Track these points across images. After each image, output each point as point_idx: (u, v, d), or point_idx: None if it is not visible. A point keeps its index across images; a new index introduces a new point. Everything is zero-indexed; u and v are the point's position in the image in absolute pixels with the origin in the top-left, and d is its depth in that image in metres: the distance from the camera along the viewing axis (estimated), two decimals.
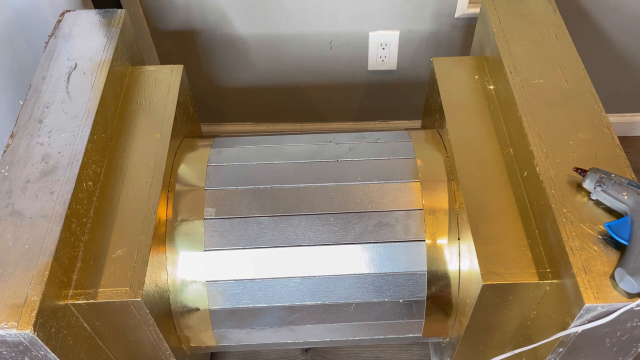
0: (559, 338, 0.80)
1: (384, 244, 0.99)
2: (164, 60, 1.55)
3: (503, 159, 0.99)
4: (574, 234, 0.79)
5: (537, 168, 0.87)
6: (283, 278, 1.00)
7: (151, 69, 1.18)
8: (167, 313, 1.00)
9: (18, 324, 0.74)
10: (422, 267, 0.99)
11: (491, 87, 1.11)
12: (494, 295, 0.86)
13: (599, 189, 0.80)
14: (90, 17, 1.17)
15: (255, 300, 1.01)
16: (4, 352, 0.78)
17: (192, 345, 1.10)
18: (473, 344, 1.01)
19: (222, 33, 1.47)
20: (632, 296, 0.74)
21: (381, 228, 0.99)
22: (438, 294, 1.01)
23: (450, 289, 1.01)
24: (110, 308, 0.86)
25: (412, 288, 1.00)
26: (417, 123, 1.71)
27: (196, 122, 1.36)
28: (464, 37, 1.47)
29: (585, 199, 0.83)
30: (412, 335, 1.10)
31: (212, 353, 1.38)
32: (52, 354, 0.79)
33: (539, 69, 1.02)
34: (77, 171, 0.91)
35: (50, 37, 1.13)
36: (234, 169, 1.07)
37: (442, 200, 1.02)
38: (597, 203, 0.83)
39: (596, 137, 0.91)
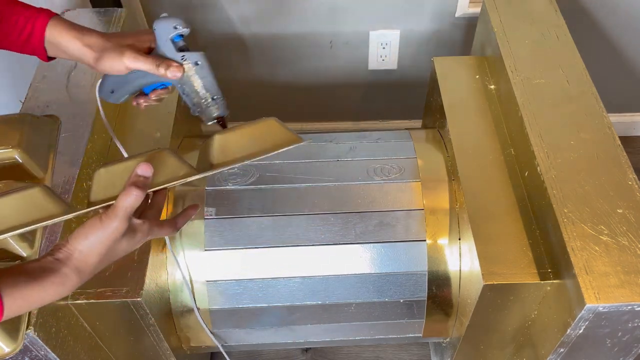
0: (559, 338, 0.80)
1: (384, 243, 0.99)
2: None
3: (504, 159, 0.99)
4: (575, 234, 0.79)
5: (538, 168, 0.87)
6: (283, 278, 1.00)
7: None
8: (167, 313, 1.00)
9: None
10: (423, 267, 0.99)
11: (492, 86, 1.11)
12: (495, 296, 0.86)
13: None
14: (91, 17, 1.16)
15: (256, 300, 1.01)
16: None
17: (192, 345, 1.10)
18: (474, 344, 1.01)
19: (222, 32, 1.47)
20: None
21: (382, 228, 0.99)
22: (439, 294, 1.01)
23: (450, 289, 1.01)
24: (110, 308, 0.86)
25: (412, 288, 1.00)
26: (418, 122, 1.71)
27: (196, 122, 1.36)
28: (464, 37, 1.47)
29: None
30: (412, 335, 1.10)
31: (212, 353, 1.38)
32: (52, 354, 0.79)
33: (540, 69, 1.02)
34: (77, 171, 0.90)
35: None
36: (234, 169, 1.06)
37: (443, 200, 1.02)
38: None
39: (597, 137, 0.91)
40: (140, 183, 0.61)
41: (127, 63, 0.70)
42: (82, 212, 0.63)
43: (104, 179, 0.64)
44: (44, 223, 0.61)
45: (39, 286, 0.58)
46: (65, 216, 0.62)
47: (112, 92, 0.76)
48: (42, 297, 0.58)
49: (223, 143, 0.69)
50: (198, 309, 1.01)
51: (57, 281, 0.59)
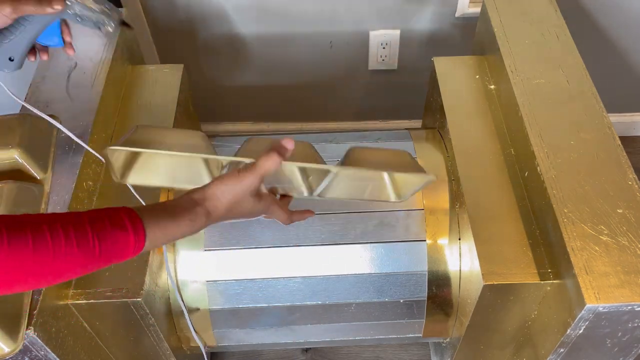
0: (559, 338, 0.80)
1: (384, 244, 0.99)
2: (164, 60, 1.54)
3: (504, 159, 0.99)
4: (575, 234, 0.79)
5: (538, 168, 0.87)
6: (283, 278, 1.00)
7: (151, 68, 1.18)
8: (167, 313, 1.00)
9: None
10: (423, 267, 0.99)
11: (492, 86, 1.11)
12: (495, 296, 0.86)
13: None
14: None
15: (256, 300, 1.01)
16: None
17: (192, 345, 1.10)
18: (474, 344, 1.01)
19: (222, 32, 1.47)
20: None
21: (382, 228, 0.99)
22: (439, 294, 1.01)
23: (450, 289, 1.01)
24: (110, 308, 0.86)
25: (412, 288, 1.00)
26: (418, 122, 1.71)
27: (196, 122, 1.36)
28: (464, 37, 1.47)
29: None
30: (412, 335, 1.10)
31: (212, 353, 1.38)
32: (52, 354, 0.79)
33: (540, 69, 1.02)
34: (77, 171, 0.90)
35: None
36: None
37: (442, 200, 1.02)
38: None
39: (597, 137, 0.91)
40: (281, 150, 0.67)
41: (7, 12, 0.69)
42: (228, 159, 0.72)
43: (250, 146, 0.72)
44: (198, 155, 0.72)
45: (174, 222, 0.63)
46: (212, 156, 0.72)
47: (11, 59, 0.74)
48: (176, 232, 0.63)
49: (358, 155, 0.75)
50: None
51: (190, 218, 0.64)
